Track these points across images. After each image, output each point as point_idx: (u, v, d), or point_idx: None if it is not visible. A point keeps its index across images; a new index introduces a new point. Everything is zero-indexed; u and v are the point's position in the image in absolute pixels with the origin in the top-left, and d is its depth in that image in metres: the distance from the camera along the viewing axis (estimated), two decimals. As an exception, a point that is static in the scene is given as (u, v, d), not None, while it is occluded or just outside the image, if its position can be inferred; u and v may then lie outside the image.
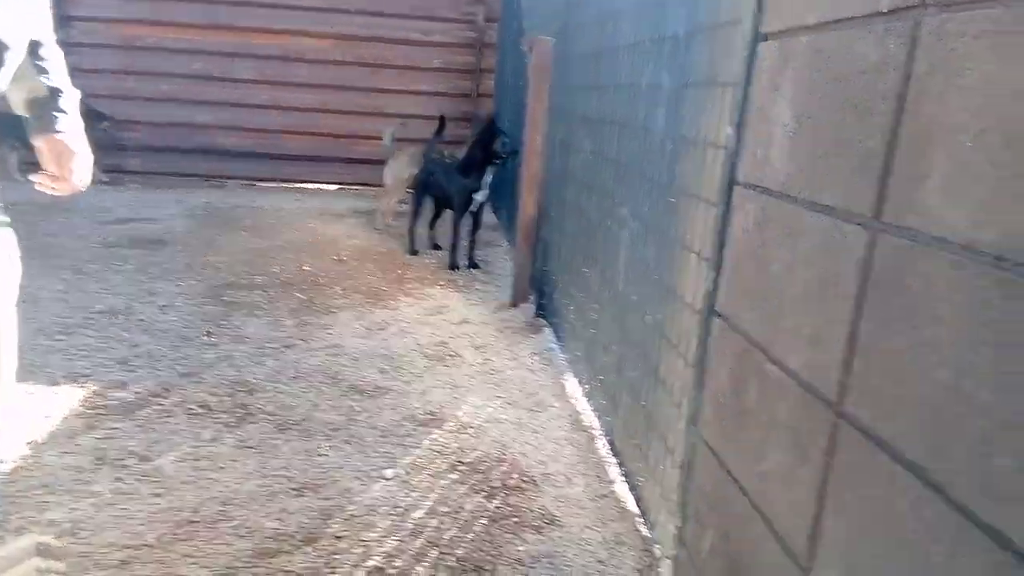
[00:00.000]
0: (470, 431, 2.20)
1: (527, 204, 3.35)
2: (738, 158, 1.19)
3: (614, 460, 2.03)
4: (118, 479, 1.84)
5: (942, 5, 0.74)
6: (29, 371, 2.32)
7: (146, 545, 1.58)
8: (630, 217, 1.99)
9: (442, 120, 4.47)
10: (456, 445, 2.11)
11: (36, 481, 1.81)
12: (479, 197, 4.06)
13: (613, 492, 1.91)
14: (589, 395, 2.40)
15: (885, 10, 0.82)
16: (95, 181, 2.24)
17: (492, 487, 1.90)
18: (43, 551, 1.43)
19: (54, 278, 3.43)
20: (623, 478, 1.94)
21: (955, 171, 0.71)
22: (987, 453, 0.65)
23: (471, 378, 2.61)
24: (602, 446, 2.14)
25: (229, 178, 6.53)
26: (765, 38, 1.13)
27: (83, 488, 1.79)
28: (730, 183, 1.21)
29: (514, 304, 3.43)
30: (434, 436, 2.16)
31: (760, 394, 1.06)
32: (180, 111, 6.39)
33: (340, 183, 6.68)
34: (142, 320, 2.99)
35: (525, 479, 1.95)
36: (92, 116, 5.87)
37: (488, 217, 5.76)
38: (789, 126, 1.02)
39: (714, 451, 1.22)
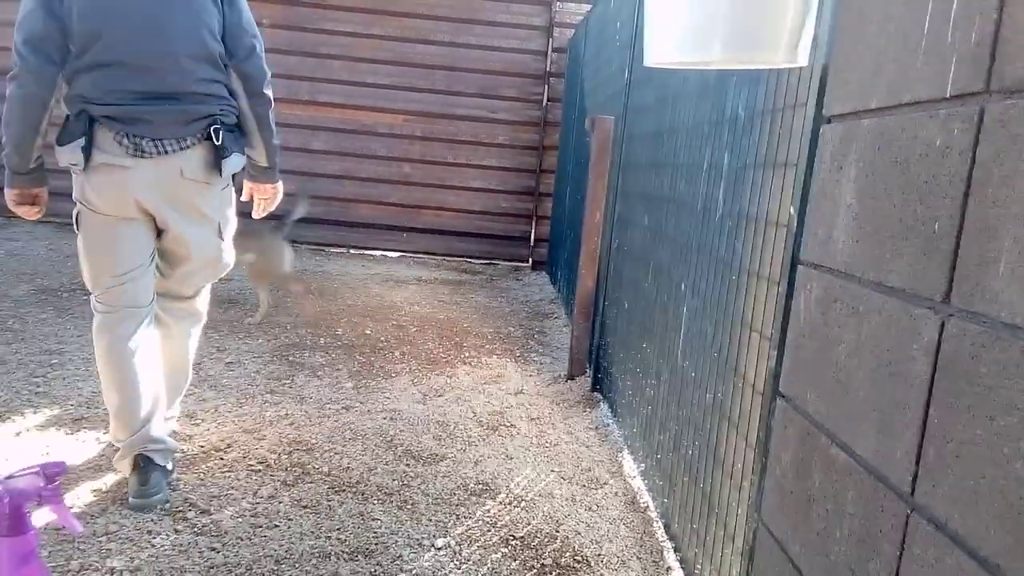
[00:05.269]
0: (523, 504, 2.17)
1: (585, 278, 3.38)
2: (801, 237, 1.19)
3: (671, 544, 1.96)
4: (178, 531, 1.89)
5: (1006, 92, 0.74)
6: (102, 422, 2.42)
7: (200, 600, 1.60)
8: (689, 293, 1.98)
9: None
10: (508, 518, 2.08)
11: (100, 527, 1.87)
12: None
13: (669, 577, 1.84)
14: (645, 474, 2.34)
15: (948, 95, 0.83)
16: None
17: (544, 564, 1.86)
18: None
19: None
20: (680, 564, 1.86)
21: (1022, 257, 0.70)
22: (1072, 554, 0.62)
23: (525, 450, 2.59)
24: (659, 528, 2.07)
25: (300, 243, 6.80)
26: (828, 120, 1.15)
27: (144, 538, 1.84)
28: (793, 262, 1.21)
29: (571, 377, 3.41)
30: (486, 507, 2.14)
31: (826, 480, 1.03)
32: (259, 179, 6.74)
33: (403, 251, 6.88)
34: (210, 375, 3.09)
35: (578, 559, 1.90)
36: None
37: (547, 290, 5.81)
38: (853, 207, 1.02)
39: (777, 539, 1.17)
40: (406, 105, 6.64)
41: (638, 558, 1.92)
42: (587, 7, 6.04)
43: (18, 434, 2.38)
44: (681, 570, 1.84)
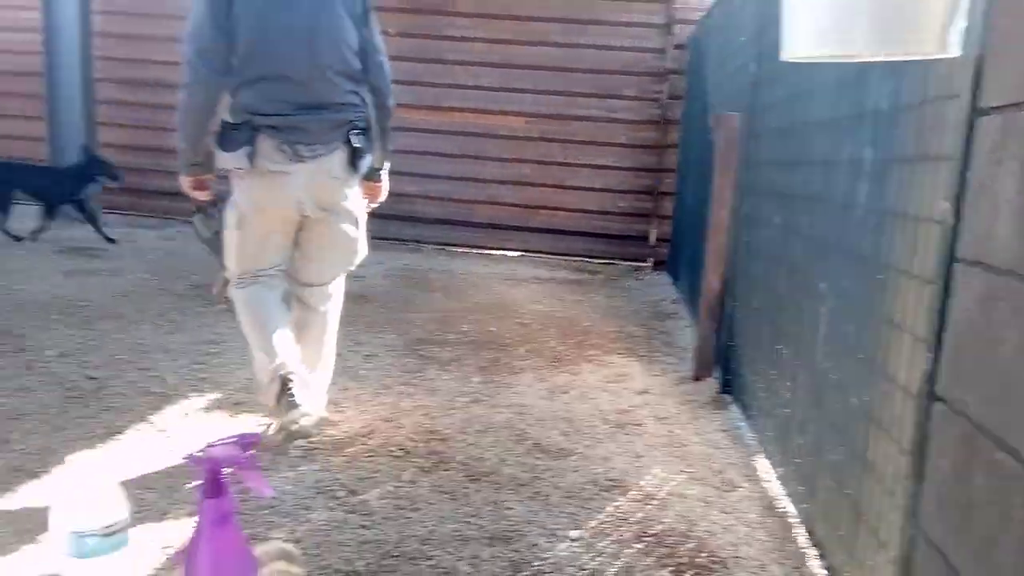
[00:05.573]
0: (654, 503, 2.19)
1: (711, 278, 3.33)
2: (957, 234, 1.16)
3: (814, 551, 1.90)
4: (331, 508, 2.05)
5: None
6: (259, 406, 2.64)
7: (356, 572, 1.74)
8: (829, 293, 1.93)
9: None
10: (640, 515, 2.11)
11: (264, 502, 2.06)
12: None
13: (813, 584, 1.79)
14: (783, 479, 2.29)
15: None
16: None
17: (680, 563, 1.87)
18: (286, 556, 1.63)
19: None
20: (827, 572, 1.81)
21: None
22: None
23: (653, 449, 2.60)
24: (800, 534, 2.02)
25: (425, 243, 7.07)
26: (986, 112, 1.11)
27: (302, 513, 2.02)
28: (948, 259, 1.17)
29: (697, 378, 3.38)
30: (617, 503, 2.17)
31: (989, 486, 1.00)
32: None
33: (522, 250, 7.00)
34: (350, 367, 3.29)
35: (715, 560, 1.89)
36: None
37: (668, 290, 5.74)
38: (1014, 202, 0.99)
39: (937, 547, 1.14)
40: (526, 107, 6.75)
41: (779, 563, 1.89)
42: (708, 2, 5.90)
43: (186, 415, 2.66)
44: (828, 577, 1.79)
